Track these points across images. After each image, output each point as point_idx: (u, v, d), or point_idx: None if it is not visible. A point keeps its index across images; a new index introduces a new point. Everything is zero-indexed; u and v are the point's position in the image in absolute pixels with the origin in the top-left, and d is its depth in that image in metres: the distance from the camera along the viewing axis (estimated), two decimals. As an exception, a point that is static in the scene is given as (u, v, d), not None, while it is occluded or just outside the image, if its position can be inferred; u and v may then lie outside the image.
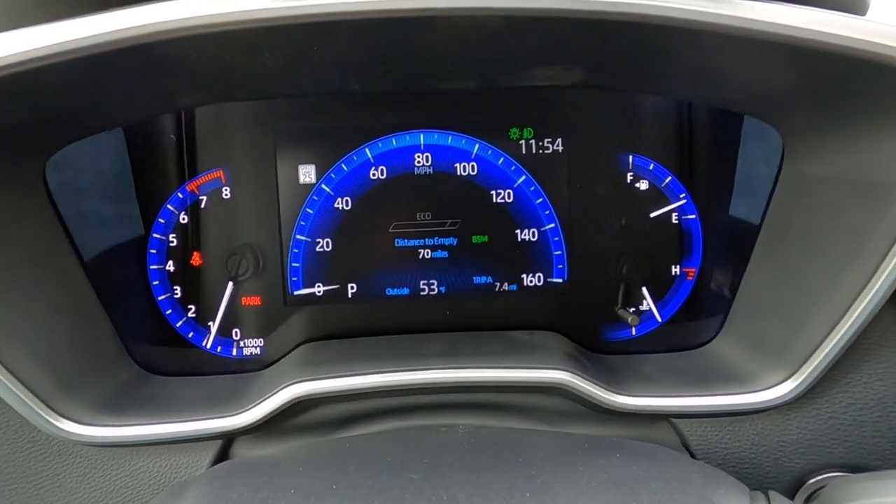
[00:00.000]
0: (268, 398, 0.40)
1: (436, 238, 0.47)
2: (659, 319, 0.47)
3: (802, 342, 0.36)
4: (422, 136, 0.47)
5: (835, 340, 0.35)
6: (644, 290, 0.47)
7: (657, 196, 0.47)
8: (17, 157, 0.35)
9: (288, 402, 0.39)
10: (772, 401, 0.37)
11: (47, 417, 0.36)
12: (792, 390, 0.37)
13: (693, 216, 0.48)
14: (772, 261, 0.41)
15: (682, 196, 0.46)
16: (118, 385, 0.41)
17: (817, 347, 0.35)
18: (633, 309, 0.48)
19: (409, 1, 0.29)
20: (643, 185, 0.47)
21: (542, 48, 0.34)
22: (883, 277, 0.32)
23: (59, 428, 0.36)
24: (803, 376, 0.36)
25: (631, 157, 0.47)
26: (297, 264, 0.47)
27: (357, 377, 0.40)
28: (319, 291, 0.47)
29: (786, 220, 0.40)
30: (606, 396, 0.39)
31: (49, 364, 0.36)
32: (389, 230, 0.47)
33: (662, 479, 0.32)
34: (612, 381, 0.41)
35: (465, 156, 0.47)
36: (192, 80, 0.36)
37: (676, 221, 0.47)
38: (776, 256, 0.41)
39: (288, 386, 0.40)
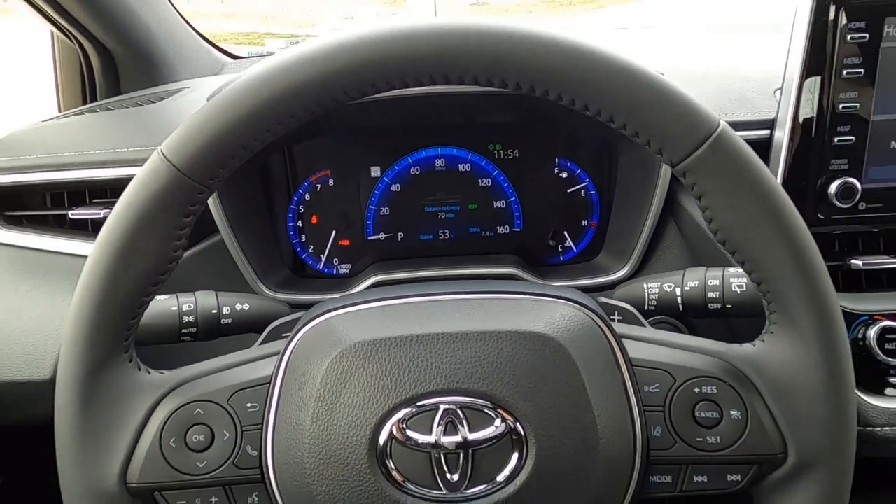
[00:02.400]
0: (358, 284, 0.75)
1: (447, 206, 0.83)
2: (574, 250, 0.82)
3: (629, 245, 0.71)
4: (439, 150, 0.83)
5: (643, 241, 0.69)
6: (566, 233, 0.82)
7: (573, 181, 0.82)
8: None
9: (370, 284, 0.74)
10: (615, 280, 0.71)
11: (259, 284, 0.72)
12: (626, 273, 0.71)
13: (593, 192, 0.83)
14: (619, 208, 0.76)
15: (585, 181, 0.82)
16: (284, 278, 0.76)
17: (635, 247, 0.70)
18: (560, 246, 0.83)
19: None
20: (564, 174, 0.82)
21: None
22: (655, 203, 0.67)
23: (265, 292, 0.71)
24: (630, 263, 0.70)
25: (558, 160, 0.82)
26: (369, 222, 0.83)
27: (412, 272, 0.75)
28: (382, 237, 0.83)
29: (622, 183, 0.75)
30: (538, 282, 0.74)
31: (255, 259, 0.72)
32: (421, 202, 0.82)
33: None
34: (544, 277, 0.76)
35: (463, 159, 0.83)
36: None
37: (584, 195, 0.82)
38: (620, 204, 0.75)
39: (370, 277, 0.75)
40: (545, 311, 0.43)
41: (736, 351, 0.43)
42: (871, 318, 0.58)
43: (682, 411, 0.42)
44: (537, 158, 0.81)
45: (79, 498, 0.40)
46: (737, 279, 0.54)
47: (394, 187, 0.82)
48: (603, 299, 0.56)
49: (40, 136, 0.73)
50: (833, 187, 0.58)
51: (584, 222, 0.82)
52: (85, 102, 0.94)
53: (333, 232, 0.82)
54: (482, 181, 0.82)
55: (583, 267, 0.78)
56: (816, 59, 0.57)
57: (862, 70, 0.56)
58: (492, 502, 0.38)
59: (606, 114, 0.39)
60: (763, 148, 0.62)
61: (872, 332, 0.56)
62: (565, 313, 0.43)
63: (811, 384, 0.40)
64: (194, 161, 0.38)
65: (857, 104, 0.57)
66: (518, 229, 0.82)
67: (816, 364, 0.40)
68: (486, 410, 0.39)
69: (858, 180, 0.58)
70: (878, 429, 0.57)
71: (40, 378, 0.59)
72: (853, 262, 0.61)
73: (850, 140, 0.58)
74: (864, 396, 0.57)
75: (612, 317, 0.55)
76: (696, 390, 0.42)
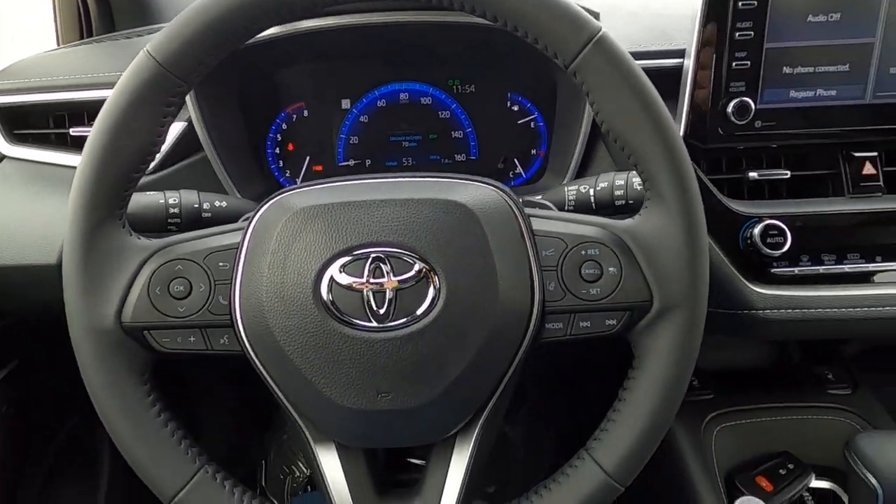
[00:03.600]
0: None
1: (410, 136, 0.92)
2: (524, 175, 0.92)
3: (566, 164, 0.80)
4: (404, 85, 0.91)
5: (575, 159, 0.78)
6: (516, 161, 0.92)
7: (523, 113, 0.91)
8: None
9: None
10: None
11: (238, 195, 0.81)
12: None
13: (541, 123, 0.92)
14: (559, 132, 0.84)
15: (534, 114, 0.91)
16: (261, 192, 0.86)
17: (570, 166, 0.79)
18: (511, 172, 0.92)
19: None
20: (516, 107, 0.91)
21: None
22: (584, 124, 0.75)
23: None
24: (566, 180, 0.80)
25: (510, 94, 0.91)
26: (340, 150, 0.92)
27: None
28: (352, 163, 0.92)
29: (560, 110, 0.83)
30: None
31: (235, 174, 0.81)
32: (387, 132, 0.91)
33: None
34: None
35: (425, 93, 0.91)
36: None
37: (533, 126, 0.91)
38: (559, 129, 0.84)
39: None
40: (462, 188, 0.52)
41: (618, 223, 0.53)
42: (760, 220, 0.67)
43: (572, 270, 0.52)
44: (491, 93, 0.90)
45: (84, 333, 0.50)
46: (638, 179, 0.63)
47: (362, 118, 0.91)
48: (527, 197, 0.65)
49: (42, 64, 0.81)
50: (731, 106, 0.67)
51: (534, 151, 0.91)
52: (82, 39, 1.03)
53: (308, 158, 0.91)
54: (442, 113, 0.91)
55: (528, 188, 0.87)
56: (718, -7, 0.65)
57: (755, 2, 0.65)
58: (411, 330, 0.48)
59: (511, 24, 0.48)
60: (676, 74, 0.71)
61: (757, 230, 0.65)
62: (479, 190, 0.53)
63: (673, 246, 0.50)
64: (174, 58, 0.47)
65: (752, 33, 0.65)
66: (474, 157, 0.91)
67: (678, 231, 0.50)
68: (406, 258, 0.49)
69: (754, 101, 0.67)
70: (761, 311, 0.67)
71: (48, 262, 0.69)
72: (750, 174, 0.70)
73: (746, 65, 0.66)
74: (749, 285, 0.67)
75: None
76: (583, 252, 0.52)
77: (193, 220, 0.65)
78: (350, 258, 0.49)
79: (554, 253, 0.52)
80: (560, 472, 0.54)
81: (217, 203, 0.66)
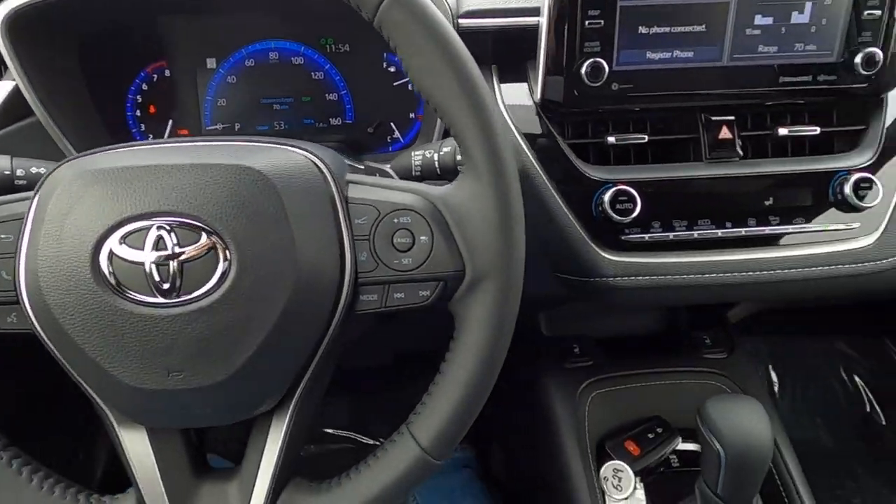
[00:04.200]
0: None
1: (281, 98, 0.87)
2: (402, 140, 0.88)
3: (432, 128, 0.77)
4: (272, 43, 0.86)
5: (440, 124, 0.76)
6: (392, 125, 0.88)
7: (399, 75, 0.87)
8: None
9: None
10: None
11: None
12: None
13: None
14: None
15: (410, 74, 0.87)
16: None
17: (435, 129, 0.77)
18: (389, 137, 0.89)
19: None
20: (392, 68, 0.87)
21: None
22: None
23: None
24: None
25: (386, 54, 0.87)
26: (206, 113, 0.87)
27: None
28: (220, 127, 0.87)
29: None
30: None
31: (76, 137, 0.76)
32: (257, 94, 0.86)
33: None
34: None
35: (296, 52, 0.87)
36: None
37: (410, 88, 0.87)
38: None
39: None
40: (262, 153, 0.49)
41: (433, 190, 0.50)
42: (613, 185, 0.66)
43: (384, 239, 0.49)
44: (367, 53, 0.86)
45: None
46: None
47: (229, 79, 0.85)
48: (372, 163, 0.62)
49: None
50: (584, 67, 0.64)
51: (411, 115, 0.88)
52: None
53: (171, 121, 0.86)
54: (315, 74, 0.86)
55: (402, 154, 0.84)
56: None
57: (607, -43, 0.62)
58: (200, 306, 0.45)
59: None
60: (537, 33, 0.68)
61: (607, 196, 0.64)
62: (283, 155, 0.49)
63: (485, 215, 0.48)
64: None
65: (604, -11, 0.63)
66: (349, 121, 0.87)
67: (489, 200, 0.47)
68: (193, 229, 0.45)
69: (609, 62, 0.65)
70: (612, 279, 0.66)
71: None
72: (609, 138, 0.68)
73: (600, 24, 0.64)
74: (601, 252, 0.66)
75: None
76: (395, 220, 0.49)
77: (5, 187, 0.60)
78: (131, 228, 0.45)
79: (366, 221, 0.49)
80: (381, 446, 0.52)
81: (34, 170, 0.61)
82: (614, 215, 0.64)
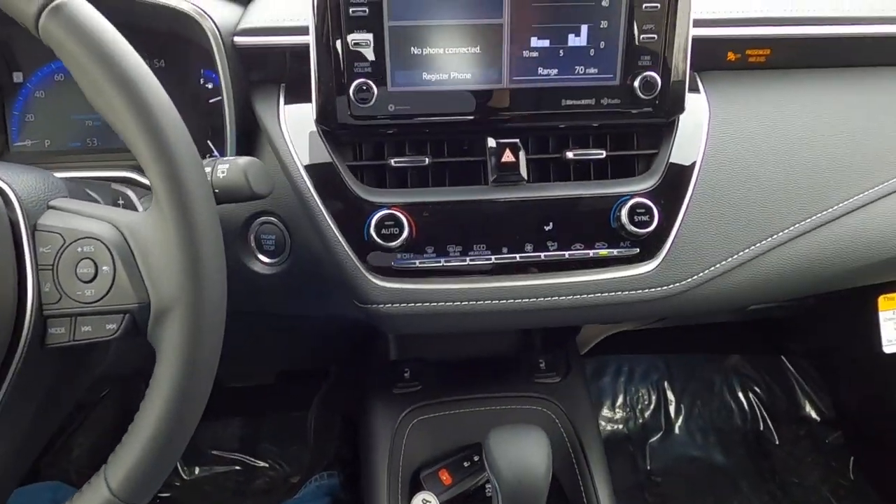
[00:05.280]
0: None
1: (93, 114, 0.84)
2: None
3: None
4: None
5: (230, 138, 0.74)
6: (209, 143, 0.85)
7: (217, 91, 0.85)
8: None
9: None
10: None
11: None
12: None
13: (238, 103, 0.86)
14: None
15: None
16: None
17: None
18: (206, 155, 0.86)
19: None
20: (210, 84, 0.84)
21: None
22: None
23: None
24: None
25: (203, 70, 0.85)
26: (14, 129, 0.84)
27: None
28: (28, 143, 0.84)
29: None
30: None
31: None
32: (68, 109, 0.83)
33: None
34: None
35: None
36: None
37: (229, 106, 0.85)
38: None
39: None
40: None
41: (123, 217, 0.48)
42: (387, 208, 0.63)
43: (67, 269, 0.46)
44: (182, 69, 0.83)
45: None
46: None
47: (38, 94, 0.82)
48: (115, 186, 0.60)
49: None
50: (352, 88, 0.62)
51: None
52: None
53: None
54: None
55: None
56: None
57: (367, -24, 0.60)
58: None
59: None
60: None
61: (373, 220, 0.62)
62: None
63: (167, 244, 0.45)
64: None
65: (366, 10, 0.61)
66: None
67: (170, 228, 0.45)
68: None
69: (384, 83, 0.63)
70: (383, 306, 0.64)
71: None
72: (392, 161, 0.66)
73: (369, 43, 0.62)
74: (372, 279, 0.64)
75: (118, 202, 0.59)
76: (79, 249, 0.47)
77: None
78: None
79: (51, 250, 0.47)
80: (79, 490, 0.49)
81: None
82: (378, 240, 0.61)
